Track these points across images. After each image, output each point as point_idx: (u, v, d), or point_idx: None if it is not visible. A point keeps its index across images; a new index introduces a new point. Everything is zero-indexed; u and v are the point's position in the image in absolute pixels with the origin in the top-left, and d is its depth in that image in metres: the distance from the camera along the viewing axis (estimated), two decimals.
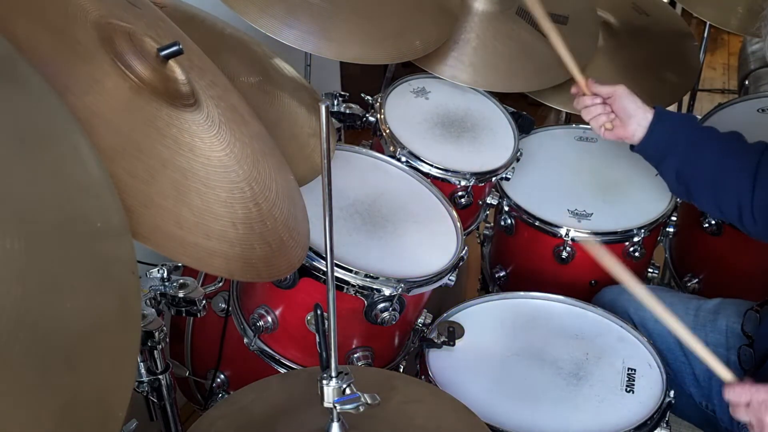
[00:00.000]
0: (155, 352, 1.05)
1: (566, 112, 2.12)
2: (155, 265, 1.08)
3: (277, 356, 1.33)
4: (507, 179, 1.63)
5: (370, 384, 0.86)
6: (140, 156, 0.78)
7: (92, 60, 0.80)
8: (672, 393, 1.18)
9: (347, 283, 1.19)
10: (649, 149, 1.38)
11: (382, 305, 1.21)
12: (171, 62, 0.89)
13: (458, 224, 1.41)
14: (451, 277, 1.31)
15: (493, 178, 1.59)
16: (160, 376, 1.07)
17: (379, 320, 1.22)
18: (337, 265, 1.18)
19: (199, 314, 1.09)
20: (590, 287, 1.64)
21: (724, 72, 4.11)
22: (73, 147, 0.66)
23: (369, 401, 0.83)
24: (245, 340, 1.34)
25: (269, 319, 1.30)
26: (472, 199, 1.55)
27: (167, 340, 1.27)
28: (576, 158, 1.79)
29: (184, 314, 1.10)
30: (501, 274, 1.79)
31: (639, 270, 1.73)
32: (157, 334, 1.02)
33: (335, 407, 0.84)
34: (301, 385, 1.01)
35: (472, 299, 1.38)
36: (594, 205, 1.66)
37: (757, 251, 1.56)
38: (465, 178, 1.53)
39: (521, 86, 1.66)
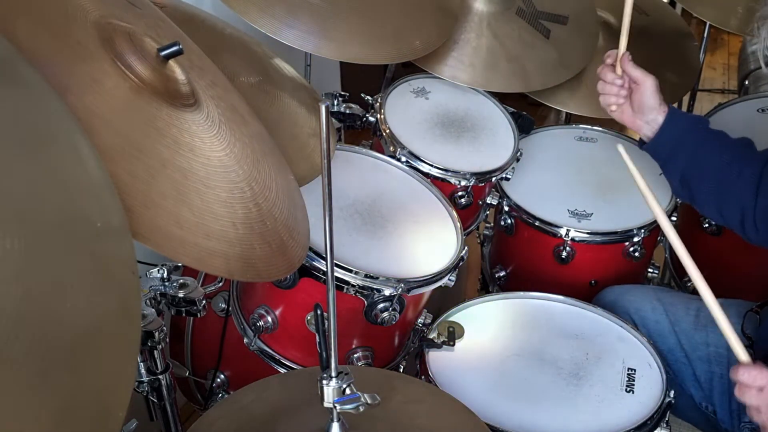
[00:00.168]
0: (155, 352, 1.05)
1: (566, 112, 2.12)
2: (155, 265, 1.08)
3: (277, 356, 1.33)
4: (507, 179, 1.63)
5: (370, 384, 0.86)
6: (140, 156, 0.78)
7: (92, 60, 0.80)
8: (672, 393, 1.18)
9: (347, 283, 1.19)
10: (659, 148, 1.37)
11: (382, 305, 1.21)
12: (171, 62, 0.88)
13: (458, 224, 1.41)
14: (451, 277, 1.31)
15: (493, 178, 1.59)
16: (160, 376, 1.07)
17: (379, 320, 1.22)
18: (337, 265, 1.18)
19: (199, 314, 1.09)
20: (590, 287, 1.64)
21: (724, 72, 4.12)
22: (73, 147, 0.66)
23: (369, 401, 0.83)
24: (245, 340, 1.34)
25: (269, 319, 1.30)
26: (472, 199, 1.55)
27: (167, 340, 1.27)
28: (576, 158, 1.79)
29: (184, 314, 1.10)
30: (501, 274, 1.78)
31: (639, 270, 1.73)
32: (157, 334, 1.02)
33: (335, 407, 0.84)
34: (301, 385, 1.01)
35: (472, 299, 1.38)
36: (594, 205, 1.66)
37: (757, 252, 1.55)
38: (465, 178, 1.53)
39: (521, 86, 1.66)
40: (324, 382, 0.83)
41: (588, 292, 1.57)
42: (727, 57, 4.25)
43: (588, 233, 1.59)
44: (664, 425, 1.15)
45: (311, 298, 1.21)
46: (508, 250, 1.79)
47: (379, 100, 1.60)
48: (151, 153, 0.79)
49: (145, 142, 0.80)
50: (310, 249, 1.15)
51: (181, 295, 1.08)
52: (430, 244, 1.36)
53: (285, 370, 1.33)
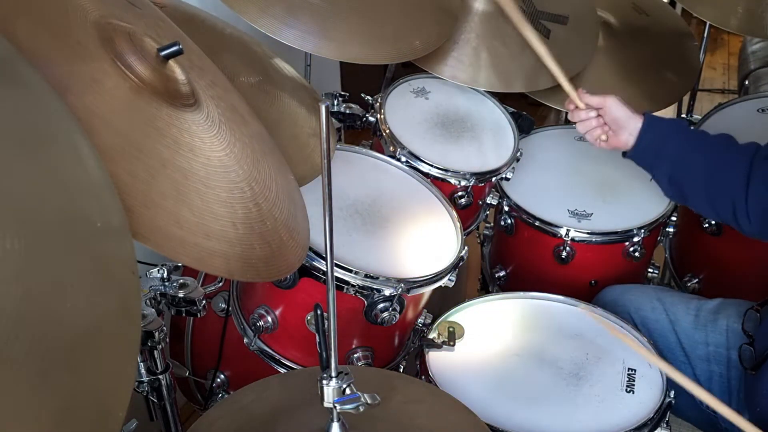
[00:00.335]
0: (155, 352, 1.05)
1: (566, 112, 2.12)
2: (155, 265, 1.08)
3: (277, 356, 1.33)
4: (507, 179, 1.63)
5: (370, 384, 0.86)
6: (140, 156, 0.78)
7: (92, 60, 0.80)
8: (672, 393, 1.18)
9: (347, 283, 1.19)
10: (640, 156, 1.40)
11: (382, 305, 1.21)
12: (171, 62, 0.88)
13: (458, 224, 1.41)
14: (451, 277, 1.31)
15: (493, 178, 1.59)
16: (160, 376, 1.07)
17: (379, 320, 1.22)
18: (337, 265, 1.18)
19: (199, 314, 1.09)
20: (590, 287, 1.64)
21: (724, 72, 4.12)
22: (73, 147, 0.65)
23: (369, 401, 0.83)
24: (245, 340, 1.34)
25: (269, 319, 1.30)
26: (472, 199, 1.55)
27: (167, 340, 1.27)
28: (576, 158, 1.79)
29: (184, 314, 1.10)
30: (501, 274, 1.78)
31: (639, 270, 1.73)
32: (157, 334, 1.02)
33: (335, 407, 0.84)
34: (301, 385, 1.01)
35: (472, 299, 1.38)
36: (594, 205, 1.66)
37: (757, 251, 1.56)
38: (465, 178, 1.53)
39: (521, 86, 1.66)
40: (324, 382, 0.83)
41: (588, 292, 1.57)
42: (727, 57, 4.25)
43: (588, 233, 1.59)
44: (664, 425, 1.15)
45: (311, 298, 1.21)
46: (508, 250, 1.79)
47: (379, 100, 1.60)
48: (151, 153, 0.79)
49: (145, 142, 0.80)
50: (310, 249, 1.15)
51: (181, 295, 1.08)
52: (430, 244, 1.36)
53: (285, 370, 1.33)
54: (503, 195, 1.68)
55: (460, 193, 1.54)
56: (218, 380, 1.45)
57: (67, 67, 0.77)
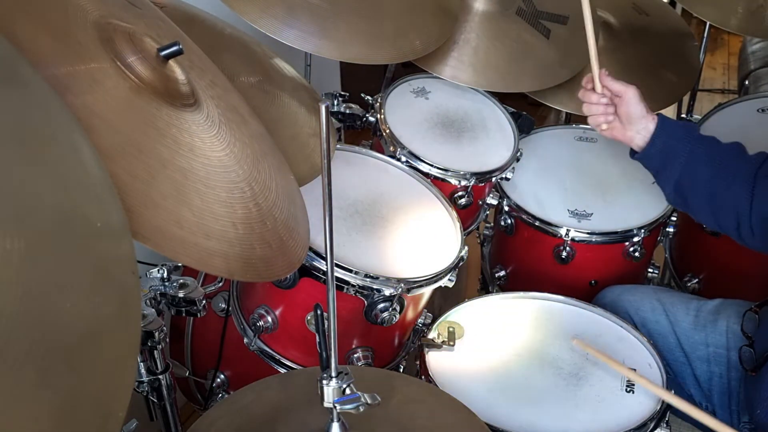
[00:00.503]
0: (155, 352, 1.05)
1: (566, 112, 2.12)
2: (155, 265, 1.08)
3: (277, 356, 1.33)
4: (507, 179, 1.63)
5: (370, 384, 0.86)
6: (140, 156, 0.78)
7: (92, 60, 0.80)
8: (672, 393, 1.18)
9: (347, 283, 1.19)
10: (650, 159, 1.38)
11: (382, 305, 1.21)
12: (171, 62, 0.88)
13: (458, 224, 1.41)
14: (451, 277, 1.31)
15: (493, 178, 1.59)
16: (160, 376, 1.07)
17: (379, 320, 1.22)
18: (337, 265, 1.18)
19: (199, 314, 1.09)
20: (590, 287, 1.64)
21: (724, 72, 4.12)
22: (73, 147, 0.65)
23: (369, 401, 0.83)
24: (245, 340, 1.34)
25: (269, 319, 1.30)
26: (472, 199, 1.55)
27: (167, 340, 1.27)
28: (576, 158, 1.79)
29: (184, 314, 1.10)
30: (501, 274, 1.78)
31: (639, 270, 1.73)
32: (157, 334, 1.02)
33: (335, 407, 0.84)
34: (301, 385, 1.01)
35: (472, 299, 1.38)
36: (594, 205, 1.66)
37: (756, 252, 1.56)
38: (465, 178, 1.53)
39: (521, 86, 1.66)
40: (324, 382, 0.83)
41: (588, 292, 1.57)
42: (727, 57, 4.25)
43: (588, 233, 1.59)
44: (664, 425, 1.15)
45: (311, 298, 1.21)
46: (508, 250, 1.79)
47: (379, 100, 1.60)
48: (151, 153, 0.79)
49: (145, 142, 0.80)
50: (310, 249, 1.15)
51: (181, 295, 1.08)
52: (430, 244, 1.36)
53: (285, 370, 1.33)
54: (503, 195, 1.68)
55: (460, 193, 1.54)
56: (218, 380, 1.45)
57: (67, 67, 0.77)
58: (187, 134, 0.86)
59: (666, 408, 1.16)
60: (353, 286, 1.20)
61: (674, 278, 1.89)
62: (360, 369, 1.23)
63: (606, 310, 1.36)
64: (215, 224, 0.83)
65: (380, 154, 1.51)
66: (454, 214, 1.43)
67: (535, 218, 1.62)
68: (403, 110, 1.63)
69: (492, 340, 1.29)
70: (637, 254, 1.61)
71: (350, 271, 1.19)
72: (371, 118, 1.60)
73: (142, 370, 1.06)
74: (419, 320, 1.38)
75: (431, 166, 1.52)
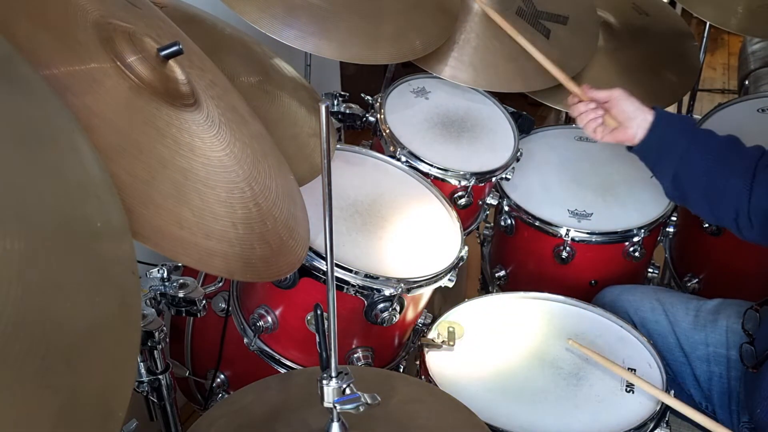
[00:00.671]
0: (155, 352, 1.05)
1: (566, 112, 2.12)
2: (155, 265, 1.08)
3: (277, 356, 1.33)
4: (507, 179, 1.63)
5: (370, 384, 0.86)
6: (140, 156, 0.78)
7: (92, 60, 0.80)
8: (672, 393, 1.18)
9: (347, 283, 1.19)
10: (648, 151, 1.38)
11: (382, 305, 1.21)
12: (171, 62, 0.89)
13: (458, 224, 1.41)
14: (451, 277, 1.31)
15: (493, 178, 1.59)
16: (160, 376, 1.07)
17: (379, 320, 1.22)
18: (337, 265, 1.18)
19: (199, 314, 1.09)
20: (590, 287, 1.64)
21: (724, 72, 4.12)
22: (73, 147, 0.65)
23: (369, 401, 0.83)
24: (245, 340, 1.34)
25: (269, 319, 1.30)
26: (472, 199, 1.55)
27: (167, 340, 1.27)
28: (576, 158, 1.79)
29: (184, 314, 1.10)
30: (501, 274, 1.78)
31: (639, 270, 1.73)
32: (157, 334, 1.02)
33: (335, 407, 0.83)
34: (301, 385, 1.01)
35: (472, 299, 1.38)
36: (594, 205, 1.66)
37: (757, 251, 1.55)
38: (465, 178, 1.53)
39: (521, 86, 1.66)
40: (324, 382, 0.83)
41: (588, 292, 1.57)
42: (727, 57, 4.25)
43: (588, 233, 1.59)
44: (664, 425, 1.15)
45: (311, 298, 1.21)
46: (508, 250, 1.79)
47: (379, 100, 1.60)
48: (151, 153, 0.79)
49: (145, 142, 0.80)
50: (310, 249, 1.15)
51: (181, 295, 1.08)
52: (430, 244, 1.36)
53: (285, 370, 1.33)
54: (503, 195, 1.68)
55: (460, 193, 1.54)
56: (218, 380, 1.45)
57: (67, 67, 0.77)
58: (187, 134, 0.86)
59: (666, 408, 1.16)
60: (353, 286, 1.20)
61: (674, 278, 1.89)
62: (360, 369, 1.23)
63: (606, 310, 1.36)
64: (215, 224, 0.83)
65: (380, 154, 1.51)
66: (454, 214, 1.43)
67: (535, 218, 1.62)
68: (403, 110, 1.63)
69: (492, 340, 1.29)
70: (637, 254, 1.61)
71: (350, 271, 1.19)
72: (371, 118, 1.60)
73: (142, 370, 1.06)
74: (419, 320, 1.38)
75: (431, 166, 1.52)
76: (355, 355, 1.32)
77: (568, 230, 1.58)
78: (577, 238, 1.59)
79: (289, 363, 1.33)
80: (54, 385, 0.53)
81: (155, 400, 1.09)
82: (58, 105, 0.67)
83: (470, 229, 1.68)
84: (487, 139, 1.66)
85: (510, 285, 1.77)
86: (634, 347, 1.29)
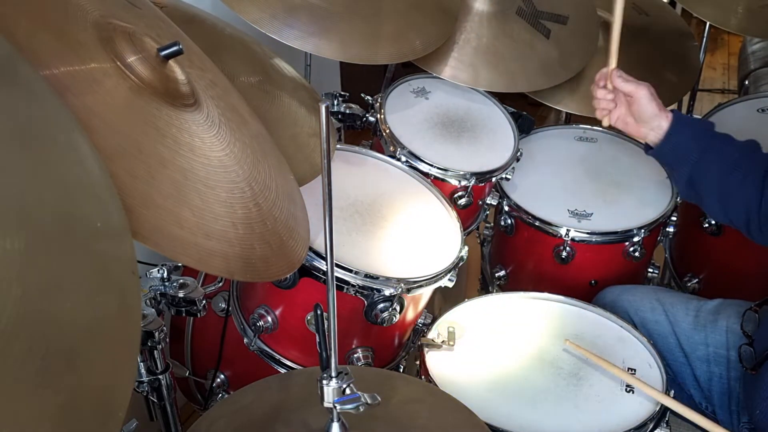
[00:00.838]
0: (155, 352, 1.05)
1: (566, 112, 2.12)
2: (155, 265, 1.08)
3: (277, 356, 1.33)
4: (507, 179, 1.63)
5: (370, 384, 0.86)
6: (140, 156, 0.78)
7: (92, 60, 0.80)
8: (672, 393, 1.18)
9: (347, 283, 1.19)
10: (663, 156, 1.37)
11: (382, 305, 1.21)
12: (171, 62, 0.88)
13: (458, 224, 1.41)
14: (451, 277, 1.31)
15: (493, 178, 1.59)
16: (160, 376, 1.07)
17: (379, 320, 1.22)
18: (337, 265, 1.18)
19: (199, 314, 1.09)
20: (590, 287, 1.64)
21: (724, 72, 4.12)
22: (73, 147, 0.65)
23: (369, 401, 0.83)
24: (245, 340, 1.34)
25: (269, 319, 1.30)
26: (472, 199, 1.55)
27: (167, 340, 1.27)
28: (576, 158, 1.79)
29: (184, 314, 1.10)
30: (501, 274, 1.78)
31: (639, 270, 1.73)
32: (157, 334, 1.02)
33: (335, 407, 0.83)
34: (301, 385, 1.01)
35: (472, 299, 1.38)
36: (594, 205, 1.66)
37: (757, 251, 1.56)
38: (465, 178, 1.53)
39: (521, 86, 1.66)
40: (324, 382, 0.83)
41: (588, 292, 1.57)
42: (727, 57, 4.26)
43: (588, 233, 1.59)
44: (664, 425, 1.15)
45: (311, 298, 1.21)
46: (508, 250, 1.79)
47: (379, 100, 1.60)
48: (151, 153, 0.79)
49: (145, 142, 0.80)
50: (310, 249, 1.15)
51: (181, 295, 1.08)
52: (430, 244, 1.36)
53: (285, 370, 1.33)
54: (503, 195, 1.68)
55: (460, 193, 1.54)
56: (218, 380, 1.45)
57: (67, 67, 0.77)
58: (187, 134, 0.86)
59: (666, 408, 1.16)
60: (353, 286, 1.20)
61: (674, 278, 1.89)
62: (360, 369, 1.23)
63: (606, 310, 1.36)
64: (215, 224, 0.83)
65: (380, 154, 1.51)
66: (454, 214, 1.43)
67: (535, 218, 1.62)
68: (403, 110, 1.63)
69: (492, 340, 1.29)
70: (637, 254, 1.61)
71: (350, 271, 1.19)
72: (371, 118, 1.60)
73: (142, 370, 1.06)
74: (419, 320, 1.38)
75: (431, 166, 1.52)
76: (355, 355, 1.32)
77: (568, 230, 1.58)
78: (577, 238, 1.59)
79: (289, 363, 1.33)
80: (54, 385, 0.53)
81: (155, 400, 1.09)
82: (58, 105, 0.67)
83: (470, 229, 1.68)
84: (487, 139, 1.66)
85: (510, 285, 1.77)
86: (634, 347, 1.29)
